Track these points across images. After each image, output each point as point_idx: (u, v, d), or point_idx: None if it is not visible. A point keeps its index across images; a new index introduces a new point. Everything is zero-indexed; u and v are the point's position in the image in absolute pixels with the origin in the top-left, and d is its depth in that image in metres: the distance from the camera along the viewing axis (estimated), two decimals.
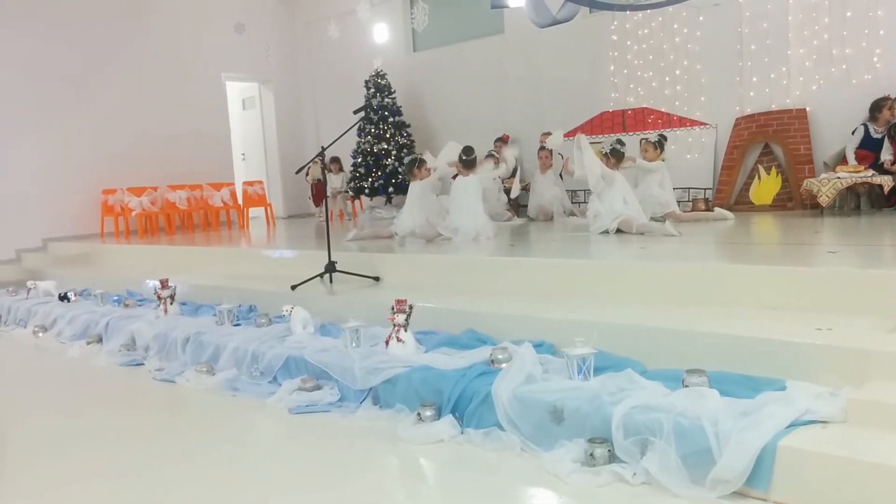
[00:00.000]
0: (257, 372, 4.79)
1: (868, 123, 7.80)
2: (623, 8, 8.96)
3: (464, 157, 7.45)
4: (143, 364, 5.58)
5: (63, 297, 7.53)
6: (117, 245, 9.79)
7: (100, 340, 6.20)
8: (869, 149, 7.78)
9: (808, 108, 8.39)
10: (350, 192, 12.00)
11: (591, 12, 9.67)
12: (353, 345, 4.56)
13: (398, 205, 11.25)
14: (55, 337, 6.79)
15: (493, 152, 9.44)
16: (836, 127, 8.11)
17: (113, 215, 10.95)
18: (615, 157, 7.24)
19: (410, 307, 4.41)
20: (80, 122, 11.16)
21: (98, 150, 11.27)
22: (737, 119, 8.87)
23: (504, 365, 3.77)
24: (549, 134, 9.38)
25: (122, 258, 9.29)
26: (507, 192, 9.50)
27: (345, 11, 12.35)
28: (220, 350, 5.15)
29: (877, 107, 7.72)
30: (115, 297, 7.24)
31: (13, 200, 10.35)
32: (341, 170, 12.17)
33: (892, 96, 7.67)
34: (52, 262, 9.89)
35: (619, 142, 7.43)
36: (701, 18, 8.92)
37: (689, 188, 9.12)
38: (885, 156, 7.59)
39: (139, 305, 6.83)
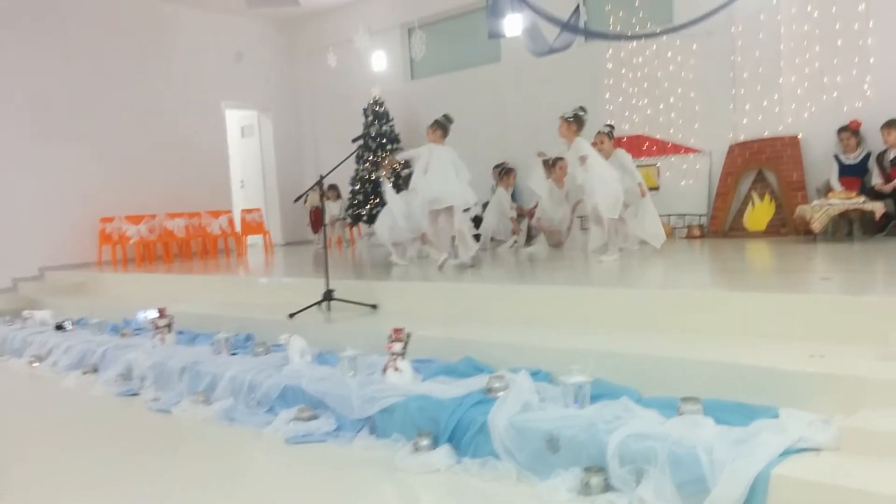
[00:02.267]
0: (254, 401, 4.79)
1: (837, 154, 7.97)
2: (617, 37, 9.08)
3: (443, 123, 7.35)
4: (139, 394, 5.56)
5: (59, 327, 7.52)
6: (115, 273, 9.82)
7: (96, 370, 6.18)
8: (850, 175, 7.88)
9: (800, 136, 8.48)
10: (348, 219, 12.06)
11: (586, 41, 9.80)
12: (351, 374, 4.57)
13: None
14: (51, 367, 6.74)
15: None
16: (828, 154, 8.20)
17: (110, 244, 10.99)
18: (577, 123, 6.98)
19: (408, 336, 4.42)
20: (78, 150, 11.23)
21: (96, 179, 11.33)
22: (730, 146, 8.95)
23: (501, 393, 3.77)
24: (543, 154, 9.32)
25: (119, 287, 9.30)
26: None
27: (343, 40, 12.47)
28: (216, 379, 5.15)
29: (837, 134, 8.01)
30: (112, 327, 7.24)
31: (10, 229, 10.37)
32: (339, 197, 12.24)
33: (859, 122, 7.81)
34: (49, 291, 9.89)
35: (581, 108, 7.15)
36: (694, 47, 9.04)
37: (684, 214, 9.19)
38: (875, 179, 7.68)
39: (136, 335, 6.82)
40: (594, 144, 7.35)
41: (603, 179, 6.85)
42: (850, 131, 7.90)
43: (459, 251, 7.18)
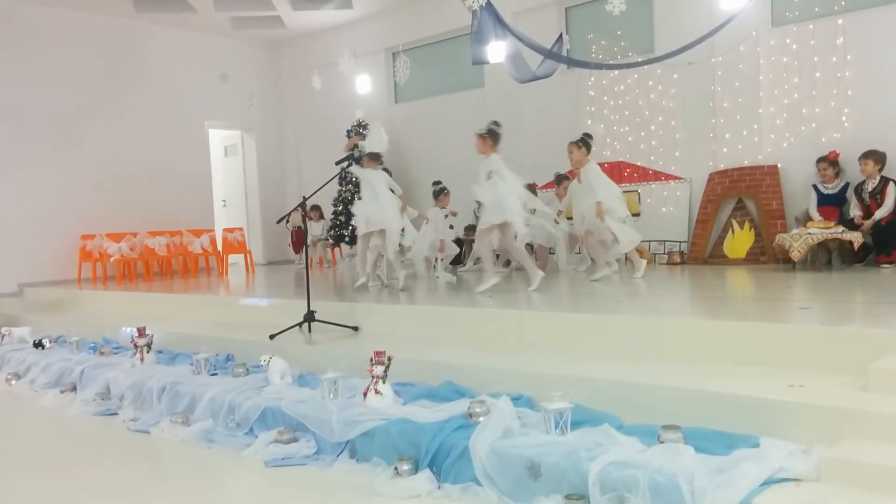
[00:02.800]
0: (233, 423, 4.76)
1: (816, 184, 8.11)
2: (599, 66, 9.19)
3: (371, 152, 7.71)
4: (117, 414, 5.51)
5: (38, 344, 7.44)
6: (94, 291, 9.73)
7: (74, 389, 6.12)
8: (829, 205, 8.01)
9: (779, 165, 8.60)
10: (330, 240, 12.05)
11: (568, 68, 9.90)
12: (331, 396, 4.55)
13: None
14: (28, 385, 6.68)
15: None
16: (807, 183, 8.32)
17: (91, 261, 10.90)
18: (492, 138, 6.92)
19: (389, 359, 4.42)
20: (61, 166, 11.21)
21: (78, 196, 11.29)
22: (710, 174, 9.06)
23: (482, 418, 3.78)
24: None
25: (98, 305, 9.22)
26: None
27: (328, 63, 12.53)
28: (196, 400, 5.12)
29: (816, 164, 8.12)
30: (91, 345, 7.17)
31: None
32: (322, 217, 12.23)
33: (837, 153, 7.96)
34: (28, 308, 9.78)
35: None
36: (675, 76, 9.16)
37: (664, 241, 9.27)
38: (854, 212, 7.79)
39: (115, 353, 6.77)
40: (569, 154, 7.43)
41: (505, 197, 6.66)
42: (829, 161, 8.04)
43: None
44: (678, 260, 8.92)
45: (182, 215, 12.20)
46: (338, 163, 7.14)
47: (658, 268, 8.73)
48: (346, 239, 11.73)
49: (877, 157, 7.69)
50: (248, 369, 5.48)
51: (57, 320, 8.56)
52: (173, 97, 12.66)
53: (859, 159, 7.81)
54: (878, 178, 7.72)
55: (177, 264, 11.87)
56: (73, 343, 7.17)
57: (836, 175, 8.07)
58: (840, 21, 8.09)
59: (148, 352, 6.19)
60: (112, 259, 10.85)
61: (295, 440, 4.32)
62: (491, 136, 6.90)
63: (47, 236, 10.95)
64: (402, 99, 12.77)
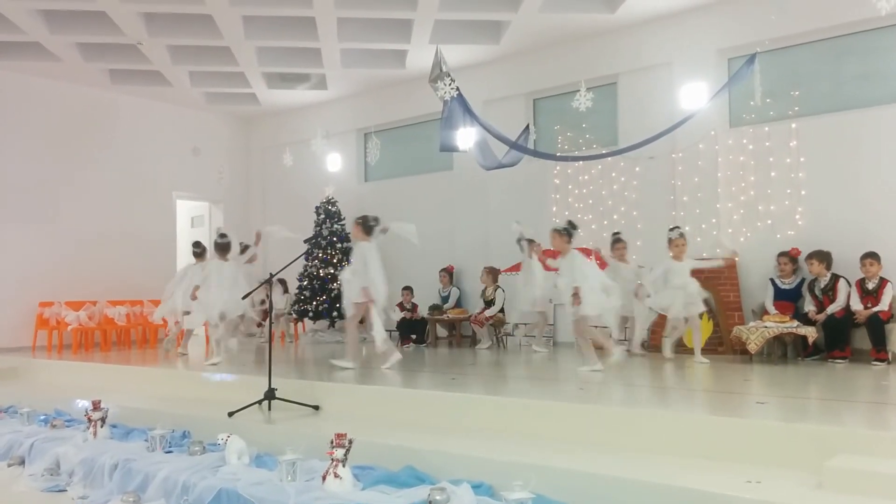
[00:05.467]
0: None
1: (774, 278, 8.36)
2: (563, 158, 9.48)
3: (218, 241, 8.52)
4: (66, 490, 5.33)
5: None
6: (49, 360, 9.50)
7: (22, 463, 5.91)
8: (784, 299, 8.25)
9: (736, 259, 8.85)
10: (294, 315, 11.98)
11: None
12: (289, 479, 4.48)
13: (341, 329, 11.30)
14: None
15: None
16: (763, 277, 8.59)
17: (48, 329, 10.69)
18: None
19: (350, 442, 4.39)
20: (24, 232, 11.14)
21: (39, 261, 11.18)
22: None
23: None
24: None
25: (53, 374, 8.99)
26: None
27: (300, 140, 12.74)
28: (149, 479, 4.99)
29: (777, 259, 8.41)
30: (43, 417, 6.96)
31: None
32: (286, 291, 12.18)
33: (798, 250, 8.23)
34: None
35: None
36: (637, 169, 9.47)
37: (625, 328, 9.38)
38: (808, 307, 8.02)
39: (67, 426, 6.58)
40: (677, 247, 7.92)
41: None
42: (789, 257, 8.30)
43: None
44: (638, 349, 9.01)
45: (144, 284, 12.04)
46: (306, 241, 7.20)
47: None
48: (310, 314, 11.69)
49: (821, 257, 8.00)
50: (204, 447, 5.36)
51: (8, 390, 8.30)
52: (142, 167, 12.72)
53: (806, 259, 8.11)
54: (828, 275, 7.99)
55: (136, 334, 11.68)
56: (24, 414, 6.95)
57: (794, 271, 8.34)
58: (794, 125, 8.51)
59: (101, 426, 6.03)
60: (70, 328, 10.65)
61: None
62: (567, 234, 7.35)
63: (4, 302, 10.76)
64: (371, 178, 12.98)
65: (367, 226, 7.65)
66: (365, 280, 7.39)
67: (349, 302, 7.52)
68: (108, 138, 12.32)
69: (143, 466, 5.13)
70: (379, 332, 7.40)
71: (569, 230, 7.39)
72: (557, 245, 7.44)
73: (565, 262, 7.35)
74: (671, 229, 8.11)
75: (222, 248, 8.64)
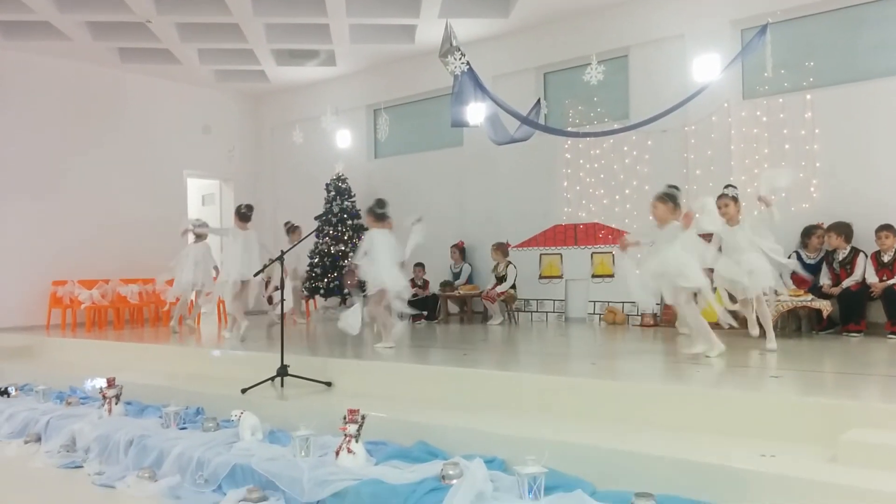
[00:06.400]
0: (202, 479, 4.67)
1: (799, 250, 8.24)
2: (574, 134, 9.40)
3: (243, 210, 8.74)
4: (82, 467, 5.38)
5: (3, 393, 7.28)
6: (63, 339, 9.57)
7: (38, 440, 5.98)
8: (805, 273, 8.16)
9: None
10: (305, 292, 12.00)
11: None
12: (303, 454, 4.50)
13: (352, 306, 11.31)
14: None
15: None
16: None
17: (61, 307, 10.76)
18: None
19: (363, 417, 4.40)
20: (36, 211, 11.19)
21: (52, 241, 11.23)
22: None
23: (455, 481, 3.76)
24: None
25: (67, 353, 9.05)
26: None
27: (310, 117, 12.69)
28: (163, 455, 5.03)
29: (807, 233, 8.22)
30: (58, 394, 7.03)
31: None
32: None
33: (824, 224, 8.11)
34: None
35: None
36: (649, 143, 9.38)
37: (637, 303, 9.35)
38: (824, 280, 7.95)
39: (82, 404, 6.64)
40: (719, 208, 6.41)
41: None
42: (821, 230, 8.15)
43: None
44: (651, 322, 9.00)
45: (156, 263, 12.04)
46: (317, 218, 7.17)
47: (630, 329, 8.80)
48: (322, 291, 11.71)
49: (839, 230, 7.89)
50: (218, 424, 5.40)
51: (23, 368, 8.39)
52: (153, 145, 12.73)
53: (827, 231, 8.01)
54: (847, 248, 7.90)
55: (148, 312, 11.74)
56: (40, 392, 7.02)
57: (820, 245, 8.22)
58: (808, 96, 8.39)
59: (116, 403, 6.08)
60: (83, 306, 10.72)
61: (264, 499, 4.26)
62: (671, 199, 6.10)
63: (18, 281, 10.82)
64: (381, 154, 12.93)
65: (374, 212, 7.43)
66: (370, 268, 7.16)
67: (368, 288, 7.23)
68: (118, 117, 12.33)
69: (158, 443, 5.17)
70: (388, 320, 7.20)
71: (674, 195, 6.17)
72: (661, 214, 6.13)
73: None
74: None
75: (244, 217, 8.91)
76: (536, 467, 3.60)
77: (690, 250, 5.95)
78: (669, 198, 6.12)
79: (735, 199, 6.62)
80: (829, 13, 8.54)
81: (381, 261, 7.15)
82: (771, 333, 6.44)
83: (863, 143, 8.15)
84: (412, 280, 10.91)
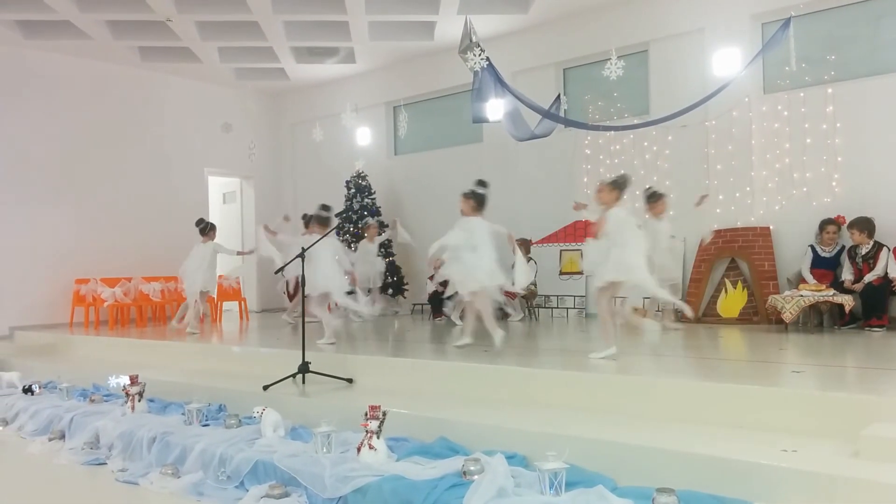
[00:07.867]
0: (224, 476, 4.71)
1: (815, 245, 8.17)
2: (596, 128, 9.35)
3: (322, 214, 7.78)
4: (105, 464, 5.43)
5: (27, 390, 7.37)
6: (86, 336, 9.68)
7: (62, 437, 6.04)
8: (823, 268, 8.09)
9: (771, 227, 8.71)
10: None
11: (565, 127, 10.07)
12: (324, 450, 4.53)
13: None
14: (16, 431, 6.59)
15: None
16: (799, 246, 8.43)
17: (84, 305, 10.89)
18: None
19: (384, 414, 4.41)
20: (59, 210, 11.31)
21: (74, 239, 11.35)
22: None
23: (476, 477, 3.76)
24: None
25: (90, 350, 9.16)
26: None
27: (329, 115, 12.73)
28: (186, 451, 5.06)
29: (821, 227, 8.19)
30: (81, 392, 7.11)
31: None
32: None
33: (843, 218, 8.05)
34: (18, 352, 9.69)
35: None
36: (670, 138, 9.33)
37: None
38: (846, 275, 7.87)
39: (106, 401, 6.71)
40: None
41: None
42: (837, 225, 8.10)
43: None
44: (672, 317, 8.93)
45: (178, 261, 12.16)
46: (338, 215, 7.19)
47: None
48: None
49: (862, 226, 7.81)
50: (240, 420, 5.44)
51: (47, 365, 8.49)
52: (174, 143, 12.84)
53: (847, 227, 7.95)
54: (871, 243, 7.83)
55: (171, 310, 11.84)
56: (63, 389, 7.11)
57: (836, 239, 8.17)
58: (830, 90, 8.30)
59: (139, 400, 6.14)
60: (105, 304, 10.83)
61: (286, 495, 4.28)
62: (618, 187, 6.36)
63: (41, 279, 10.96)
64: (401, 151, 12.95)
65: (476, 196, 7.48)
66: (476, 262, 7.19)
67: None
68: (139, 116, 12.45)
69: (181, 439, 5.21)
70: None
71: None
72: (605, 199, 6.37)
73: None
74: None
75: (323, 221, 7.79)
76: (557, 463, 3.59)
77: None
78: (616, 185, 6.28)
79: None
80: (850, 6, 8.47)
81: (485, 253, 7.18)
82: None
83: (885, 137, 8.07)
84: (432, 276, 10.91)
